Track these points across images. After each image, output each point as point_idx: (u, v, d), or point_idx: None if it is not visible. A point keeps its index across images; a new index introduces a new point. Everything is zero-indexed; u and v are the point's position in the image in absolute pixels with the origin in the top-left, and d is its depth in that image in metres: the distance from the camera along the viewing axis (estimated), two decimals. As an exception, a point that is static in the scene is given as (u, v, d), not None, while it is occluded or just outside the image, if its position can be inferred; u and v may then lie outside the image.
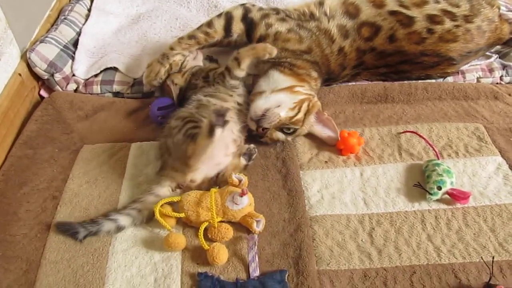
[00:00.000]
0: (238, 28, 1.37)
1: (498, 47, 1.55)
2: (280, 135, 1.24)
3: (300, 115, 1.23)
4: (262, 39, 1.33)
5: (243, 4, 1.40)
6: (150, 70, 1.37)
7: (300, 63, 1.31)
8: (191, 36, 1.38)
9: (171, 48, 1.38)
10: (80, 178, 1.19)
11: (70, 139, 1.30)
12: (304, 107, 1.24)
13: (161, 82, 1.38)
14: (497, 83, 1.51)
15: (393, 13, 1.34)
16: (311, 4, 1.40)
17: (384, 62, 1.39)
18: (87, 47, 1.56)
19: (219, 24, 1.37)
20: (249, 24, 1.36)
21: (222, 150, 1.12)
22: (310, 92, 1.29)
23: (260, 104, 1.21)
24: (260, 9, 1.39)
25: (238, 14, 1.37)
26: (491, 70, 1.51)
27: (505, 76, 1.51)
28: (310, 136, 1.30)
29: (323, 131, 1.29)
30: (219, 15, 1.39)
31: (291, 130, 1.23)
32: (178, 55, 1.38)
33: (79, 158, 1.25)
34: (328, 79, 1.40)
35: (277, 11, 1.39)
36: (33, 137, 1.29)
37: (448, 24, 1.34)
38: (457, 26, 1.34)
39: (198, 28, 1.40)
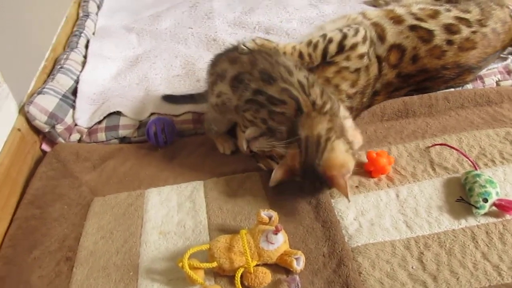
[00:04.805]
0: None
1: (510, 48, 1.50)
2: (274, 165, 1.14)
3: None
4: (331, 63, 1.25)
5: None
6: None
7: None
8: None
9: None
10: (94, 235, 1.09)
11: (79, 193, 1.21)
12: None
13: None
14: (517, 85, 1.45)
15: (413, 28, 1.29)
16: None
17: (407, 84, 1.34)
18: (87, 94, 1.49)
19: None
20: (340, 49, 1.26)
21: None
22: None
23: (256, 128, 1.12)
24: (355, 33, 1.27)
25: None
26: (509, 72, 1.46)
27: (525, 76, 1.46)
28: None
29: None
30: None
31: None
32: None
33: (90, 213, 1.15)
34: None
35: (364, 38, 1.28)
36: (39, 195, 1.20)
37: (466, 31, 1.30)
38: (474, 32, 1.30)
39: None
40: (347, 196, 1.03)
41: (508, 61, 1.48)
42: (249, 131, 1.10)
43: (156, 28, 1.88)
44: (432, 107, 1.35)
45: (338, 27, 1.32)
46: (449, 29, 1.29)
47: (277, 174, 1.06)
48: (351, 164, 1.08)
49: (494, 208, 1.04)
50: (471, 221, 1.03)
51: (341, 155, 1.07)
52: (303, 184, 1.08)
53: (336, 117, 1.09)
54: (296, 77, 1.08)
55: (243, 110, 1.11)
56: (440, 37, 1.29)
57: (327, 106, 1.06)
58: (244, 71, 1.13)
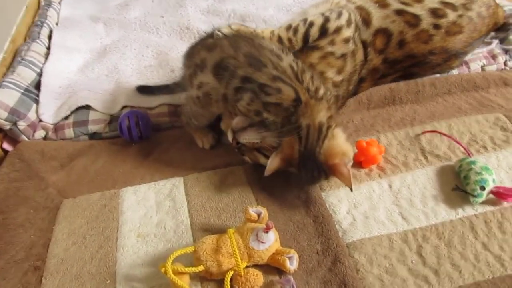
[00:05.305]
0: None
1: (492, 33, 1.47)
2: (261, 158, 1.07)
3: None
4: (314, 48, 1.19)
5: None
6: None
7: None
8: None
9: None
10: (64, 241, 1.00)
11: (46, 195, 1.11)
12: None
13: None
14: (502, 69, 1.43)
15: (399, 12, 1.24)
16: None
17: (394, 70, 1.29)
18: (51, 88, 1.38)
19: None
20: (323, 33, 1.19)
21: None
22: None
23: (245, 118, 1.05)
24: (338, 16, 1.21)
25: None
26: (494, 57, 1.43)
27: (509, 60, 1.43)
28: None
29: None
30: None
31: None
32: None
33: (60, 217, 1.06)
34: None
35: (349, 22, 1.22)
36: (1, 200, 1.09)
37: (452, 15, 1.25)
38: (460, 16, 1.26)
39: None
40: (350, 186, 0.98)
41: (493, 45, 1.45)
42: (237, 121, 1.02)
43: (124, 17, 1.77)
44: (419, 93, 1.31)
45: (321, 12, 1.25)
46: (435, 13, 1.25)
47: (273, 163, 0.99)
48: (351, 152, 1.03)
49: (491, 195, 1.00)
50: (469, 210, 0.99)
51: (342, 143, 1.02)
52: (299, 174, 1.01)
53: (333, 104, 1.03)
54: (286, 62, 1.01)
55: (234, 101, 1.03)
56: (426, 21, 1.24)
57: (321, 91, 1.00)
58: (227, 56, 1.04)
